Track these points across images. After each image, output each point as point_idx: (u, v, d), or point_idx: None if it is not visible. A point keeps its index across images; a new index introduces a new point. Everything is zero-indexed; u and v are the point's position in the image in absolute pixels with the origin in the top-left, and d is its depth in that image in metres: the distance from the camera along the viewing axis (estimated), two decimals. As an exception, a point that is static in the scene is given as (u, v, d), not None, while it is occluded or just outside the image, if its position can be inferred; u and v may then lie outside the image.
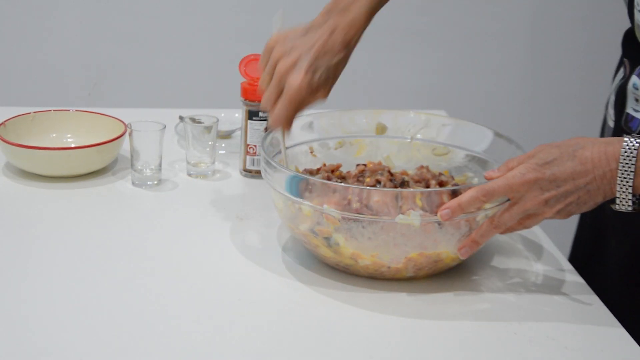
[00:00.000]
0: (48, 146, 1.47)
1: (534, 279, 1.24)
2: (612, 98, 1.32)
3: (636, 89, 1.24)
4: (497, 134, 1.33)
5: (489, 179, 1.15)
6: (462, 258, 1.18)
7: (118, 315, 1.12)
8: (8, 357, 1.03)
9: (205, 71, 2.83)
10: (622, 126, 1.28)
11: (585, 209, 1.13)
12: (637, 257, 1.29)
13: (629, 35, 1.31)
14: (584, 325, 1.13)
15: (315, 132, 1.38)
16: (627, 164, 1.09)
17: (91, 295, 1.16)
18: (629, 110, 1.26)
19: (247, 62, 1.49)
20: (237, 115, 1.65)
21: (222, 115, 1.63)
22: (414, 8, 2.88)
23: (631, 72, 1.27)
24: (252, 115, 1.48)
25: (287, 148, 1.29)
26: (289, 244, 1.29)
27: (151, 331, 1.09)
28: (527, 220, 1.15)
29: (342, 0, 1.26)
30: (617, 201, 1.11)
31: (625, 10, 1.27)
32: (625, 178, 1.09)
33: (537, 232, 1.35)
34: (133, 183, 1.46)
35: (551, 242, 1.33)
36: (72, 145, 1.52)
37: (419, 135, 1.39)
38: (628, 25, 1.29)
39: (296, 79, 1.19)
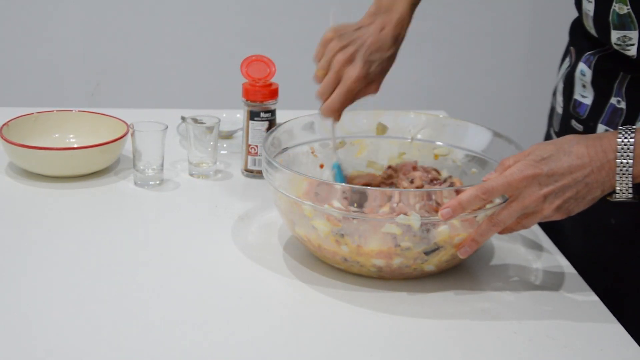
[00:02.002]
0: (51, 146, 1.47)
1: (533, 278, 1.25)
2: (561, 86, 1.36)
3: (583, 75, 1.29)
4: (497, 134, 1.33)
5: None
6: (462, 257, 1.19)
7: (120, 315, 1.12)
8: (12, 356, 1.04)
9: (207, 72, 2.84)
10: (570, 112, 1.33)
11: (583, 205, 1.14)
12: (591, 239, 1.33)
13: (575, 25, 1.36)
14: (584, 325, 1.14)
15: (317, 133, 1.39)
16: (625, 152, 1.11)
17: (93, 294, 1.16)
18: (577, 96, 1.31)
19: (249, 62, 1.49)
20: (239, 115, 1.66)
21: (224, 115, 1.64)
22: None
23: (578, 60, 1.31)
24: (253, 115, 1.49)
25: (336, 138, 1.34)
26: (290, 243, 1.30)
27: (153, 330, 1.10)
28: (525, 219, 1.16)
29: (383, 1, 1.33)
30: (617, 190, 1.12)
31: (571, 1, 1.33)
32: (625, 167, 1.11)
33: (537, 232, 1.35)
34: (135, 183, 1.46)
35: (551, 242, 1.34)
36: (75, 146, 1.53)
37: (419, 136, 1.40)
38: (575, 14, 1.35)
39: (354, 71, 1.26)
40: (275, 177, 1.22)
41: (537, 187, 1.13)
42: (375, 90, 1.30)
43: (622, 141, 1.11)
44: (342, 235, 1.17)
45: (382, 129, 1.40)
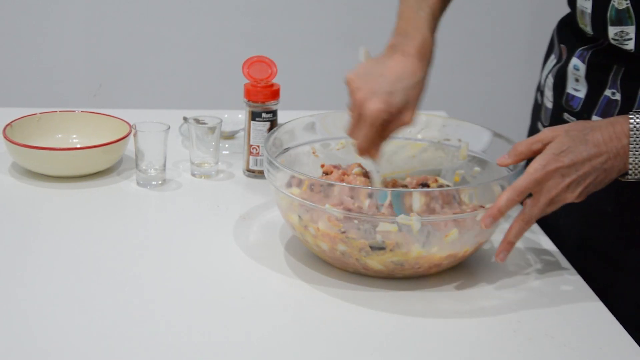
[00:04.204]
0: (54, 146, 1.48)
1: (533, 277, 1.25)
2: (550, 81, 1.39)
3: (577, 70, 1.32)
4: (496, 134, 1.34)
5: (502, 165, 1.22)
6: (501, 262, 1.21)
7: (121, 314, 1.13)
8: (13, 354, 1.05)
9: (209, 73, 2.85)
10: (562, 106, 1.36)
11: (601, 186, 1.19)
12: (587, 226, 1.34)
13: (564, 23, 1.40)
14: (583, 324, 1.15)
15: (318, 133, 1.39)
16: (637, 137, 1.16)
17: (96, 294, 1.17)
18: (569, 90, 1.34)
19: (251, 63, 1.50)
20: (241, 116, 1.67)
21: (226, 116, 1.65)
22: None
23: (570, 56, 1.34)
24: (255, 116, 1.50)
25: (379, 173, 1.28)
26: (291, 243, 1.31)
27: (155, 329, 1.10)
28: (549, 207, 1.19)
29: (400, 29, 1.27)
30: (630, 172, 1.17)
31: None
32: (638, 150, 1.16)
33: (536, 232, 1.36)
34: (138, 183, 1.47)
35: (550, 241, 1.34)
36: (78, 146, 1.54)
37: (419, 136, 1.41)
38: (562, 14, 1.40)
39: (373, 105, 1.21)
40: (277, 177, 1.23)
41: (560, 179, 1.16)
42: (409, 120, 1.24)
43: (635, 126, 1.16)
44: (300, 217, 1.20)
45: None
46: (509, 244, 1.20)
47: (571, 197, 1.17)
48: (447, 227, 1.18)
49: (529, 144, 1.19)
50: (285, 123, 1.37)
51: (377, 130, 1.22)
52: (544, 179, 1.16)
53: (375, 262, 1.20)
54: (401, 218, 1.15)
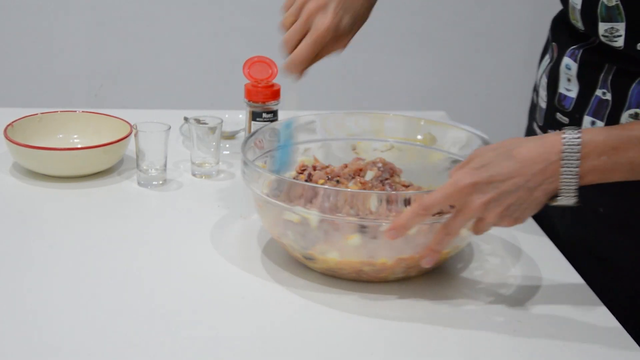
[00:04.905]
0: (55, 147, 1.48)
1: (532, 277, 1.25)
2: (544, 81, 1.37)
3: (569, 69, 1.30)
4: (485, 142, 1.32)
5: None
6: (426, 267, 1.16)
7: (121, 314, 1.13)
8: (15, 353, 1.05)
9: (209, 73, 2.85)
10: (555, 105, 1.34)
11: (530, 211, 1.11)
12: (582, 227, 1.33)
13: (558, 20, 1.38)
14: (583, 324, 1.15)
15: (318, 134, 1.39)
16: (570, 153, 1.08)
17: (95, 293, 1.17)
18: (562, 90, 1.32)
19: (251, 64, 1.51)
20: (241, 116, 1.67)
21: (226, 116, 1.65)
22: (414, 10, 2.89)
23: (561, 55, 1.33)
24: (255, 116, 1.50)
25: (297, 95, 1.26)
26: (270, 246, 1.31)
27: (154, 328, 1.11)
28: (477, 225, 1.13)
29: None
30: (560, 192, 1.09)
31: None
32: (569, 167, 1.08)
33: (536, 232, 1.37)
34: (138, 183, 1.47)
35: (550, 241, 1.35)
36: (79, 146, 1.54)
37: (419, 137, 1.40)
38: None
39: (325, 20, 1.18)
40: (252, 178, 1.23)
41: (479, 195, 1.09)
42: (343, 47, 1.22)
43: (567, 142, 1.08)
44: None
45: (430, 139, 1.38)
46: (432, 251, 1.14)
47: (491, 216, 1.09)
48: (347, 229, 1.14)
49: (460, 167, 1.12)
50: (270, 123, 1.38)
51: (319, 47, 1.20)
52: (457, 194, 1.09)
53: (316, 267, 1.21)
54: (299, 210, 1.15)
